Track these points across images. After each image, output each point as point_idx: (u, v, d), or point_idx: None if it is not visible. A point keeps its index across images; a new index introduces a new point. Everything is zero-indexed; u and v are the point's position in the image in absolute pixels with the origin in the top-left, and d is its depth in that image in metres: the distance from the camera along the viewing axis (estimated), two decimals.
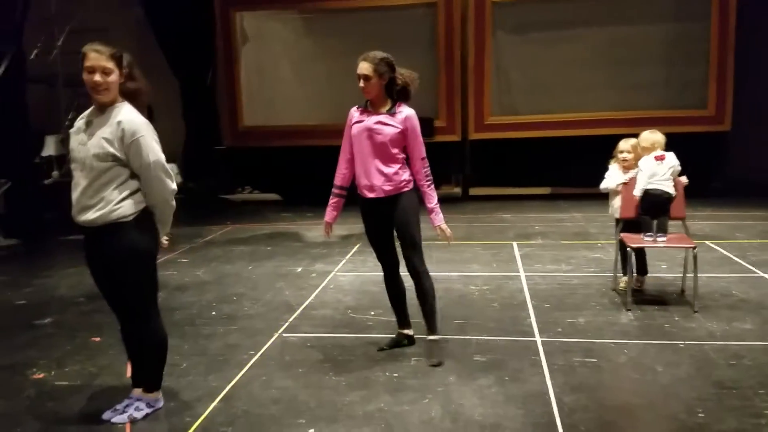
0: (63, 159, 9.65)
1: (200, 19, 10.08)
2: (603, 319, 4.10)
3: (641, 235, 4.27)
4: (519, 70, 9.60)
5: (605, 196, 4.75)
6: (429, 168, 3.53)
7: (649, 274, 4.65)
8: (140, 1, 10.71)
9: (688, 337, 3.73)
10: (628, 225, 4.45)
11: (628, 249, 4.30)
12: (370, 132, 3.46)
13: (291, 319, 4.24)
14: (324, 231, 3.73)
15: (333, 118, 9.84)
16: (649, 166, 4.31)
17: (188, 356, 3.61)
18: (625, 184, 4.45)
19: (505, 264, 5.63)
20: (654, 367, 3.33)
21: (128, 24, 11.54)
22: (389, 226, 3.51)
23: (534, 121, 9.45)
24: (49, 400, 3.11)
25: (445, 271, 5.38)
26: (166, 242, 2.99)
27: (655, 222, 4.25)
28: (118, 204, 2.70)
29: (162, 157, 2.81)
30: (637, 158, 4.41)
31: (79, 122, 2.90)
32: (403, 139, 3.49)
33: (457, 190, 10.17)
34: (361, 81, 3.45)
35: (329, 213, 3.70)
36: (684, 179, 4.39)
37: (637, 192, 4.34)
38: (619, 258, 4.59)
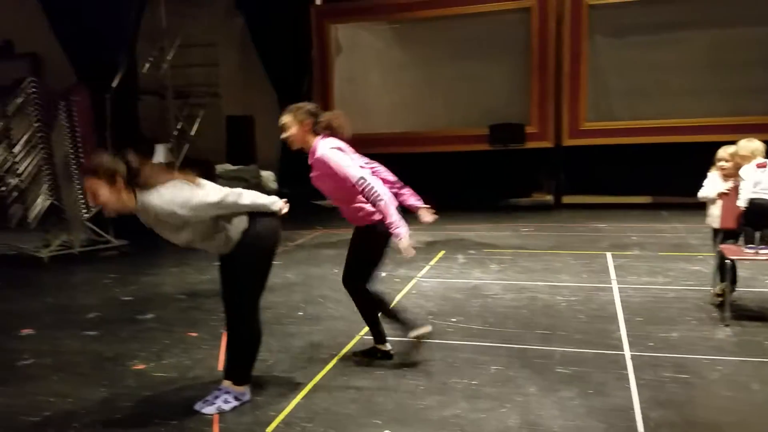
0: (172, 167, 10.29)
1: (298, 32, 10.45)
2: (698, 334, 3.89)
3: (742, 247, 4.02)
4: (617, 74, 9.28)
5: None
6: (369, 184, 3.24)
7: (751, 289, 4.36)
8: (244, 17, 11.27)
9: None
10: (727, 235, 4.20)
11: (727, 261, 4.06)
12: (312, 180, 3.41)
13: None
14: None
15: (421, 125, 9.96)
16: (752, 174, 4.04)
17: (275, 353, 3.75)
18: (724, 193, 4.21)
19: (596, 275, 5.45)
20: (749, 385, 3.13)
21: (232, 38, 12.18)
22: None
23: (633, 126, 9.09)
24: (147, 390, 3.33)
25: (532, 281, 5.28)
26: (284, 206, 3.11)
27: (758, 234, 3.99)
28: (228, 236, 2.93)
29: (206, 201, 2.83)
30: (736, 167, 4.16)
31: None
32: (332, 176, 3.31)
33: (550, 198, 9.94)
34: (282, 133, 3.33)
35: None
36: None
37: (742, 202, 4.08)
38: (716, 269, 4.34)
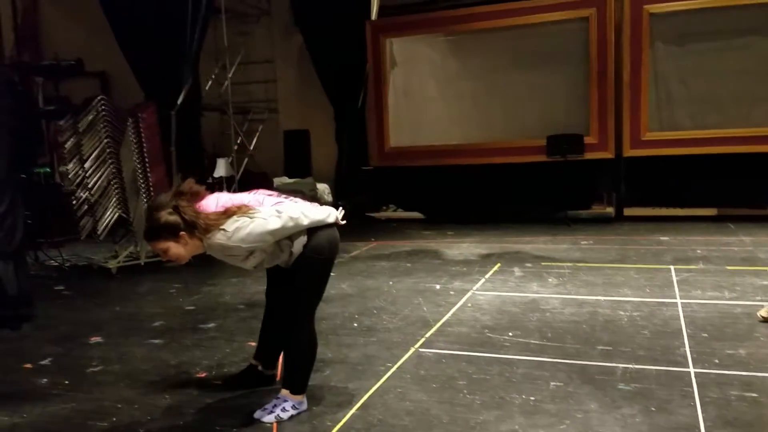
0: (232, 180, 10.58)
1: (354, 47, 10.60)
2: (767, 351, 3.72)
3: None
4: (679, 82, 9.00)
5: None
6: None
7: None
8: (302, 34, 11.52)
9: None
10: None
11: None
12: None
13: (427, 335, 4.31)
14: None
15: (476, 137, 9.92)
16: None
17: (331, 364, 3.80)
18: None
19: (659, 289, 5.29)
20: None
21: (290, 55, 12.48)
22: None
23: (698, 136, 8.79)
24: (208, 397, 3.42)
25: (593, 295, 5.17)
26: (342, 218, 3.18)
27: None
28: (291, 252, 3.03)
29: (267, 230, 2.88)
30: None
31: None
32: None
33: (610, 210, 9.70)
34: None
35: None
36: None
37: None
38: None
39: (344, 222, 3.18)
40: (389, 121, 10.43)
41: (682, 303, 4.83)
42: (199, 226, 2.85)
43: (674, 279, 5.59)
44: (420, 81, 10.23)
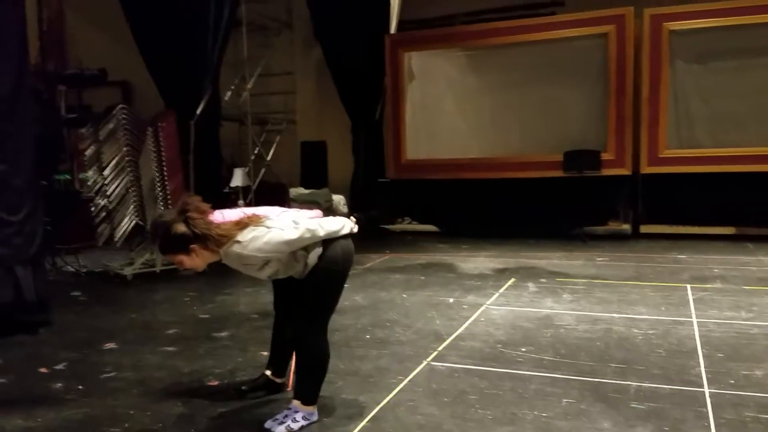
0: (248, 190, 10.66)
1: (372, 61, 10.68)
2: None
3: None
4: (699, 100, 8.94)
5: None
6: None
7: None
8: (321, 46, 11.63)
9: None
10: None
11: None
12: None
13: (440, 348, 4.30)
14: None
15: (493, 151, 9.92)
16: None
17: (342, 375, 3.80)
18: None
19: (675, 308, 5.23)
20: None
21: (309, 67, 12.59)
22: None
23: (716, 154, 8.72)
24: (221, 406, 3.44)
25: (608, 312, 5.13)
26: (355, 225, 3.21)
27: None
28: (306, 263, 3.04)
29: (283, 240, 2.90)
30: None
31: None
32: None
33: (627, 226, 9.63)
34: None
35: None
36: None
37: None
38: None
39: (357, 229, 3.21)
40: (406, 134, 10.46)
41: (698, 322, 4.78)
42: (211, 238, 2.88)
43: (690, 298, 5.54)
44: (437, 95, 10.26)
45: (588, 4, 9.50)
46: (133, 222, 7.17)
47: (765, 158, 8.44)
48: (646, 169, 9.11)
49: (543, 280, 6.45)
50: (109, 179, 7.10)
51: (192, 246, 2.90)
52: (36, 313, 5.26)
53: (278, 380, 3.58)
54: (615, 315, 5.05)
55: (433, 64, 10.27)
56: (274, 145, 12.45)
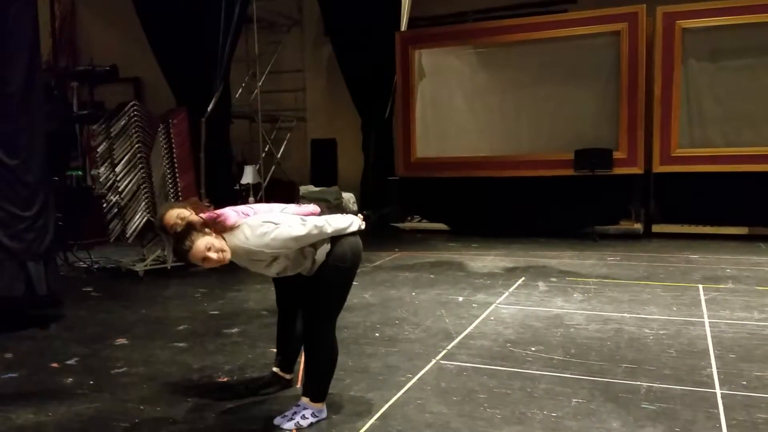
0: (259, 187, 10.69)
1: (383, 58, 10.66)
2: None
3: None
4: (713, 99, 8.87)
5: None
6: None
7: None
8: (332, 44, 11.64)
9: None
10: None
11: None
12: None
13: (449, 347, 4.29)
14: None
15: (503, 149, 9.88)
16: None
17: (351, 373, 3.80)
18: None
19: (686, 308, 5.20)
20: None
21: (319, 65, 12.60)
22: None
23: (729, 154, 8.65)
24: (230, 402, 3.45)
25: (618, 312, 5.10)
26: (363, 222, 3.20)
27: None
28: (315, 260, 3.03)
29: (291, 235, 2.89)
30: None
31: None
32: None
33: (638, 226, 9.57)
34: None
35: None
36: None
37: None
38: None
39: (365, 226, 3.21)
40: (416, 131, 10.44)
41: (709, 323, 4.75)
42: (219, 224, 2.91)
43: (702, 298, 5.50)
44: (448, 93, 10.23)
45: (600, 1, 9.44)
46: (145, 218, 7.21)
47: None
48: (659, 168, 9.05)
49: (553, 279, 6.42)
50: (120, 176, 7.14)
51: (207, 230, 2.87)
52: (48, 308, 5.31)
53: (287, 376, 3.60)
54: (626, 315, 5.02)
55: (444, 61, 10.24)
56: (285, 143, 12.48)
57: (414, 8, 10.86)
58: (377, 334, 4.65)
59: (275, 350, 3.69)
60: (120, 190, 7.12)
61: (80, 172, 9.83)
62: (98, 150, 7.24)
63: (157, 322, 5.24)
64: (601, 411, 3.21)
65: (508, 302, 5.52)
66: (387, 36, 10.51)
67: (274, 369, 3.61)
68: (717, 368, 3.78)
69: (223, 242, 2.86)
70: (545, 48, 9.50)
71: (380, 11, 10.78)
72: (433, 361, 4.00)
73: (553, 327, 4.72)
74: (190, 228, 2.91)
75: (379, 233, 10.00)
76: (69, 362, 4.21)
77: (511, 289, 5.97)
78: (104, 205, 7.25)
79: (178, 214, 3.22)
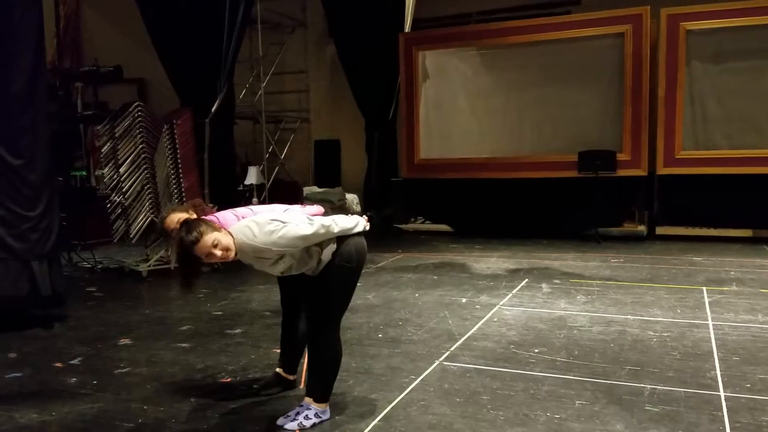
0: (262, 188, 10.70)
1: (386, 59, 10.67)
2: None
3: None
4: (718, 101, 8.85)
5: None
6: None
7: None
8: (336, 45, 11.65)
9: None
10: None
11: None
12: None
13: (452, 348, 4.28)
14: None
15: (507, 151, 9.87)
16: None
17: (354, 374, 3.80)
18: None
19: (690, 310, 5.18)
20: None
21: (323, 66, 12.62)
22: None
23: (734, 156, 8.64)
24: (233, 402, 3.45)
25: (622, 314, 5.09)
26: (367, 224, 3.19)
27: None
28: (321, 259, 3.03)
29: (298, 234, 2.89)
30: None
31: None
32: None
33: (642, 228, 9.55)
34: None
35: None
36: None
37: None
38: None
39: (369, 227, 3.21)
40: (420, 133, 10.45)
41: (713, 325, 4.73)
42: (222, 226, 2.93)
43: (706, 300, 5.48)
44: (451, 94, 10.24)
45: (604, 3, 9.43)
46: (149, 219, 7.22)
47: None
48: (662, 170, 9.04)
49: (557, 280, 6.41)
50: (124, 176, 7.15)
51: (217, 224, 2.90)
52: (51, 307, 5.32)
53: (290, 377, 3.60)
54: (629, 317, 5.01)
55: (448, 63, 10.25)
56: (288, 144, 12.50)
57: (418, 10, 10.88)
58: (380, 335, 4.65)
59: (278, 351, 3.69)
60: (124, 190, 7.13)
61: (84, 173, 9.84)
62: (102, 150, 7.26)
63: (161, 322, 5.24)
64: (604, 413, 3.20)
65: (512, 304, 5.51)
66: (391, 37, 10.52)
67: (278, 370, 3.62)
68: (721, 371, 3.77)
69: (230, 240, 2.86)
70: (549, 49, 9.49)
71: (384, 12, 10.79)
72: (437, 363, 4.00)
73: (557, 329, 4.71)
74: (201, 220, 2.92)
75: (383, 234, 10.00)
76: (72, 362, 4.22)
77: (514, 291, 5.97)
78: (108, 205, 7.26)
79: (179, 219, 3.22)
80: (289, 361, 3.60)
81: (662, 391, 3.49)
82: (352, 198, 11.28)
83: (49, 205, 5.19)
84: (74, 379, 3.89)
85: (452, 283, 6.38)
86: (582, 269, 7.02)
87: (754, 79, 8.57)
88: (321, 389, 3.16)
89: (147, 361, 4.21)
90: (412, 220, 11.22)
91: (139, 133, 7.18)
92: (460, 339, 4.49)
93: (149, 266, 7.31)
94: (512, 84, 9.79)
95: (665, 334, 4.53)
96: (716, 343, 4.30)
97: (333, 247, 3.04)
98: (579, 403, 3.33)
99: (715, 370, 3.78)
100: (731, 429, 2.99)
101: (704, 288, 5.94)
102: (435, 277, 6.72)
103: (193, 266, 2.88)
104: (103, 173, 7.42)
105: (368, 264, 7.38)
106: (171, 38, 8.06)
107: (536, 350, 4.22)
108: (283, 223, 2.91)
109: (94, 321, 5.32)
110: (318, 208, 3.48)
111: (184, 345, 4.54)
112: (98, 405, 3.46)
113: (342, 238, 3.05)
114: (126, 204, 7.15)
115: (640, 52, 8.99)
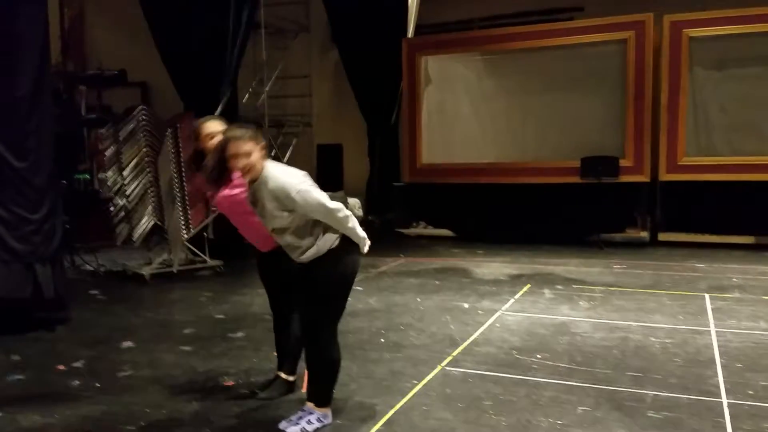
0: None
1: (389, 64, 10.69)
2: None
3: None
4: (719, 108, 8.85)
5: None
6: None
7: None
8: (339, 50, 11.67)
9: None
10: None
11: None
12: None
13: (454, 353, 4.29)
14: None
15: (509, 156, 9.88)
16: None
17: (356, 378, 3.80)
18: None
19: (693, 317, 5.18)
20: None
21: (326, 70, 12.64)
22: None
23: (736, 162, 8.63)
24: (235, 406, 3.46)
25: (625, 320, 5.09)
26: (367, 248, 3.19)
27: None
28: (318, 246, 3.02)
29: (322, 201, 2.94)
30: None
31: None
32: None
33: (644, 234, 9.54)
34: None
35: None
36: None
37: None
38: None
39: (366, 251, 3.19)
40: (422, 138, 10.45)
41: (716, 332, 4.73)
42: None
43: (708, 307, 5.48)
44: (454, 99, 10.25)
45: (607, 9, 9.45)
46: (152, 222, 7.23)
47: None
48: (665, 177, 9.03)
49: (559, 286, 6.41)
50: (128, 179, 7.17)
51: (262, 144, 2.98)
52: (54, 310, 5.32)
53: (290, 378, 3.60)
54: (632, 323, 5.00)
55: (450, 68, 10.26)
56: (291, 148, 12.51)
57: (421, 15, 10.91)
58: (382, 340, 4.65)
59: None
60: (127, 193, 7.15)
61: (88, 176, 9.87)
62: (106, 153, 7.28)
63: (163, 325, 5.25)
64: (606, 419, 3.20)
65: (514, 309, 5.51)
66: (394, 42, 10.54)
67: (278, 372, 3.62)
68: (723, 377, 3.77)
69: (260, 163, 2.94)
70: (552, 55, 9.51)
71: (387, 18, 10.82)
72: (439, 368, 4.00)
73: (559, 335, 4.71)
74: (259, 132, 3.00)
75: (384, 239, 10.00)
76: (75, 365, 4.22)
77: (516, 296, 5.97)
78: (111, 208, 7.28)
79: (212, 132, 3.36)
80: (288, 363, 3.60)
81: (664, 397, 3.48)
82: (354, 202, 11.17)
83: (53, 207, 5.21)
84: (77, 381, 3.90)
85: (454, 288, 6.38)
86: (584, 275, 7.01)
87: (756, 86, 8.57)
88: (321, 394, 3.17)
89: (149, 364, 4.21)
90: (414, 224, 11.21)
91: (143, 136, 7.20)
92: (462, 344, 4.49)
93: (152, 269, 7.32)
94: (514, 90, 9.80)
95: (668, 341, 4.52)
96: (719, 349, 4.30)
97: (333, 241, 3.03)
98: (581, 410, 3.33)
99: (718, 377, 3.78)
100: None
101: (707, 295, 5.93)
102: (437, 282, 6.72)
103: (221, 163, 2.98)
104: (106, 176, 7.44)
105: (369, 269, 7.39)
106: (175, 42, 8.08)
107: (538, 356, 4.22)
108: (316, 187, 2.97)
109: (96, 324, 5.33)
110: None
111: (186, 348, 4.55)
112: (101, 408, 3.47)
113: (343, 242, 3.05)
114: (129, 207, 7.16)
115: (643, 58, 9.00)
